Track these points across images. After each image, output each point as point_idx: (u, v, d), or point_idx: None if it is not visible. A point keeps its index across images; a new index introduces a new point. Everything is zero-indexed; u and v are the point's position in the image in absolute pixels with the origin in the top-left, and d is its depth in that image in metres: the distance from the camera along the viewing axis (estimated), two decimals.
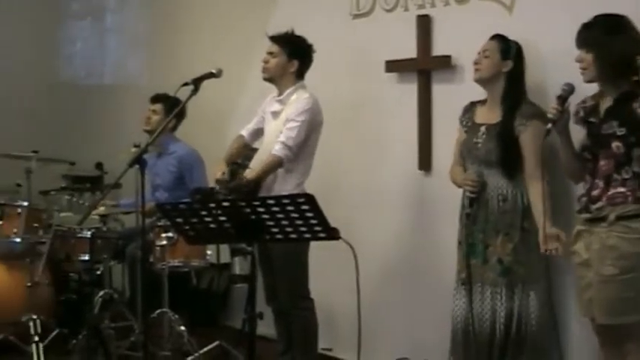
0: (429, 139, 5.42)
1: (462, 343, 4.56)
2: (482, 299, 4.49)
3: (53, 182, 6.97)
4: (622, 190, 3.82)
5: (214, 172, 5.18)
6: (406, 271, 5.61)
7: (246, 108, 6.06)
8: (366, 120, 5.86)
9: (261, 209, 3.49)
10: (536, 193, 4.29)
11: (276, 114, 5.19)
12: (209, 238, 4.09)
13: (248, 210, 3.52)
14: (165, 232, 5.79)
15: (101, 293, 6.12)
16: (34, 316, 6.00)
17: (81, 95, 8.89)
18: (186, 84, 4.75)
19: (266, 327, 5.53)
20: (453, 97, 5.17)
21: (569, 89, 3.97)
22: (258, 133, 5.39)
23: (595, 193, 3.91)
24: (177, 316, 5.87)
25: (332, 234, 3.48)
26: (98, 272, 6.30)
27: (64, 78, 9.16)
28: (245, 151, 5.38)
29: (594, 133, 3.95)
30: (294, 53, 5.16)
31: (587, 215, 3.93)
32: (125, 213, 6.35)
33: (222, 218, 3.61)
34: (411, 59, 5.45)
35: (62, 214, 6.26)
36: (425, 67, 5.40)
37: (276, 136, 5.07)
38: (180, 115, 5.92)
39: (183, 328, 5.80)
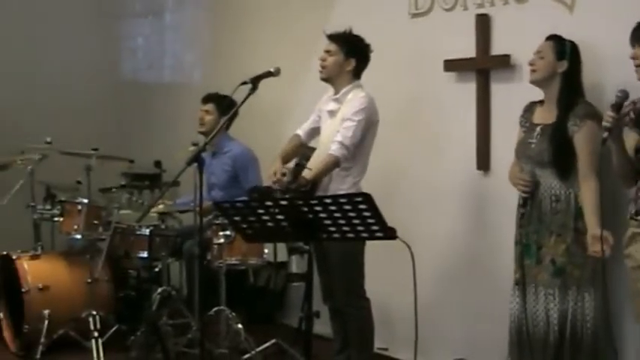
0: (488, 138, 5.39)
1: (517, 344, 4.55)
2: (536, 300, 4.48)
3: (113, 180, 7.02)
4: None
5: (271, 170, 5.20)
6: (463, 271, 5.58)
7: (303, 107, 6.06)
8: (424, 119, 5.84)
9: (318, 208, 3.49)
10: (587, 194, 4.27)
11: (332, 113, 5.19)
12: (266, 236, 4.11)
13: (305, 209, 3.52)
14: (223, 230, 5.82)
15: (159, 290, 6.18)
16: (94, 312, 6.09)
17: (140, 94, 8.99)
18: (244, 83, 4.78)
19: (322, 326, 5.55)
20: (511, 97, 5.14)
21: (624, 95, 3.91)
22: (314, 132, 5.40)
23: None
24: (234, 314, 5.91)
25: (389, 233, 3.47)
26: (156, 269, 6.37)
27: (124, 76, 9.27)
28: (301, 150, 5.38)
29: None
30: (352, 52, 5.15)
31: None
32: (183, 211, 6.39)
33: (280, 217, 3.62)
34: (470, 58, 5.42)
35: (121, 212, 6.30)
36: (484, 67, 5.37)
37: (333, 135, 5.08)
38: (234, 114, 5.96)
39: (240, 325, 5.84)
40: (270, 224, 3.67)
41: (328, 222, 3.52)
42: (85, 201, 6.27)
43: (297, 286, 6.91)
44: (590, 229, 4.20)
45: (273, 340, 6.02)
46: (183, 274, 6.73)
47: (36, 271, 6.27)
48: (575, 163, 4.37)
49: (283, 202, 3.63)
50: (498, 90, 5.34)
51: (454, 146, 5.62)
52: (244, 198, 5.75)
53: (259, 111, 6.03)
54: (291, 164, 5.23)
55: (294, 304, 6.95)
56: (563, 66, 4.47)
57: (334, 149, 4.99)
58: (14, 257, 6.33)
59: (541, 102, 4.65)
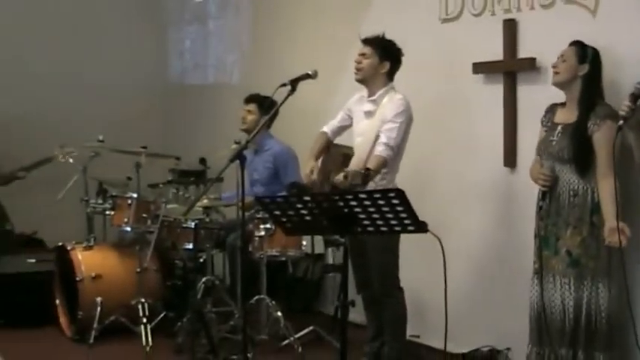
0: (514, 137, 5.36)
1: (537, 330, 4.56)
2: (553, 288, 4.48)
3: (160, 176, 7.07)
4: None
5: (307, 169, 5.21)
6: (491, 263, 5.56)
7: (339, 107, 6.06)
8: (454, 119, 5.82)
9: (353, 203, 3.49)
10: (606, 190, 4.26)
11: (369, 113, 5.17)
12: (304, 229, 4.12)
13: (341, 204, 3.52)
14: (264, 223, 5.85)
15: (204, 280, 6.20)
16: (143, 300, 6.12)
17: (186, 95, 9.06)
18: (284, 85, 4.79)
19: (357, 314, 5.55)
20: (537, 98, 5.11)
21: None
22: (342, 130, 5.40)
23: None
24: (274, 303, 5.93)
25: (420, 227, 3.47)
26: (201, 260, 6.39)
27: (172, 79, 9.36)
28: (329, 148, 5.39)
29: None
30: (386, 55, 5.15)
31: None
32: (226, 206, 6.41)
33: (317, 211, 3.63)
34: (498, 61, 5.39)
35: (168, 206, 6.32)
36: (511, 69, 5.35)
37: (371, 135, 5.07)
38: (274, 114, 5.96)
39: (279, 313, 5.86)
40: (308, 218, 3.68)
41: (363, 216, 3.52)
42: (135, 196, 6.30)
43: (333, 277, 6.92)
44: (608, 221, 4.20)
45: (310, 328, 6.03)
46: (227, 265, 6.77)
47: (89, 261, 6.32)
48: (593, 161, 4.37)
49: (321, 198, 3.64)
50: (524, 91, 5.31)
51: (482, 144, 5.60)
52: (284, 193, 5.77)
53: (298, 111, 6.03)
54: (352, 168, 5.11)
55: (331, 294, 6.97)
56: (584, 69, 4.46)
57: (381, 150, 4.98)
58: (69, 248, 6.38)
59: (562, 104, 4.64)
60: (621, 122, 3.96)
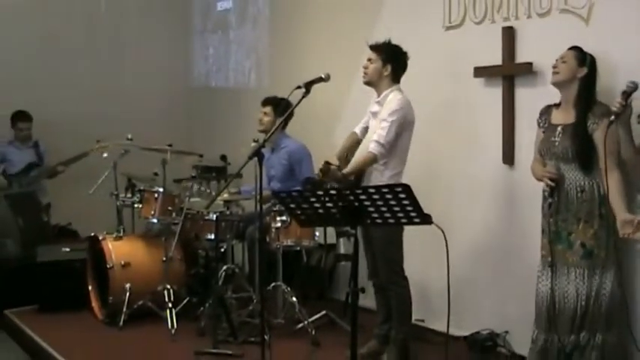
0: (512, 136, 5.35)
1: (546, 318, 4.48)
2: (567, 280, 4.41)
3: (185, 172, 7.08)
4: None
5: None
6: (491, 252, 5.55)
7: (350, 108, 6.07)
8: (457, 119, 5.81)
9: (363, 197, 3.49)
10: (612, 184, 4.20)
11: (375, 114, 5.18)
12: (318, 221, 4.10)
13: (352, 198, 3.53)
14: (280, 216, 5.85)
15: (224, 268, 6.23)
16: (168, 286, 6.16)
17: (208, 97, 9.07)
18: (299, 87, 4.78)
19: (367, 300, 5.53)
20: (534, 100, 5.10)
21: (634, 86, 3.97)
22: (367, 130, 5.39)
23: None
24: (289, 289, 5.93)
25: (425, 219, 3.46)
26: (222, 250, 6.38)
27: (195, 82, 9.39)
28: (356, 146, 5.39)
29: None
30: (389, 59, 5.12)
31: None
32: (245, 199, 6.41)
33: (329, 204, 3.63)
34: (497, 66, 5.38)
35: (192, 200, 6.32)
36: (509, 73, 5.33)
37: (373, 133, 5.08)
38: (289, 115, 5.96)
39: (294, 299, 5.85)
40: (321, 211, 3.68)
41: (372, 209, 3.52)
42: (161, 190, 6.32)
43: (344, 265, 6.93)
44: (619, 214, 4.14)
45: (323, 312, 6.04)
46: (246, 254, 6.77)
47: (119, 250, 6.33)
48: (596, 157, 4.32)
49: (333, 192, 3.64)
50: (522, 94, 5.30)
51: (482, 143, 5.59)
52: (299, 188, 5.77)
53: (312, 112, 6.03)
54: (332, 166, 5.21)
55: (342, 281, 6.98)
56: (583, 72, 4.42)
57: (372, 147, 4.98)
58: (100, 238, 6.41)
59: (556, 105, 4.60)
60: (613, 117, 3.95)
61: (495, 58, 5.39)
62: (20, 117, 7.99)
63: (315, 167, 6.35)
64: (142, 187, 6.53)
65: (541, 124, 4.65)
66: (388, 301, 5.24)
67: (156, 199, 6.33)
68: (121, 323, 6.07)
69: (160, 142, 6.37)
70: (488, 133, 5.49)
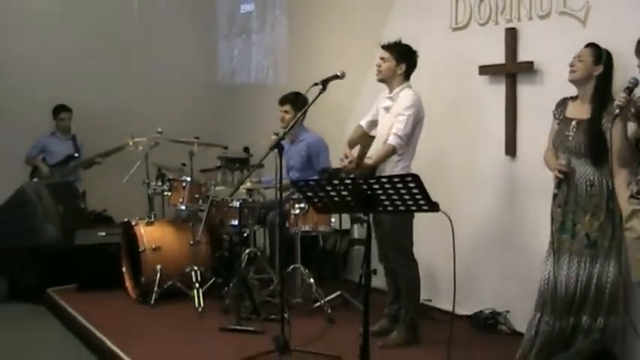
0: (514, 129, 5.32)
1: (550, 301, 4.38)
2: (569, 267, 4.33)
3: (210, 162, 7.09)
4: None
5: (341, 154, 5.18)
6: (493, 238, 5.54)
7: (362, 103, 6.04)
8: (463, 114, 5.79)
9: (375, 186, 3.49)
10: (621, 180, 4.13)
11: (387, 109, 5.16)
12: (333, 208, 4.09)
13: (365, 187, 3.52)
14: (299, 203, 5.85)
15: (247, 251, 6.21)
16: (196, 268, 6.19)
17: (232, 93, 9.09)
18: (316, 84, 4.77)
19: (379, 281, 5.55)
20: (534, 96, 5.09)
21: (635, 82, 3.92)
22: (373, 124, 5.36)
23: None
24: (307, 271, 5.94)
25: (433, 207, 3.45)
26: (245, 234, 6.38)
27: (220, 80, 9.42)
28: (365, 138, 5.38)
29: None
30: (402, 58, 5.10)
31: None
32: (266, 188, 6.41)
33: (344, 193, 3.62)
34: (500, 64, 5.36)
35: (217, 188, 6.33)
36: (511, 71, 5.31)
37: (388, 127, 5.06)
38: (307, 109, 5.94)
39: (312, 280, 5.87)
40: (336, 199, 3.67)
41: (384, 197, 3.51)
42: (189, 179, 6.33)
43: (357, 249, 6.93)
44: (626, 211, 4.07)
45: (338, 292, 6.03)
46: (267, 239, 6.77)
47: (150, 234, 6.35)
48: (607, 154, 4.19)
49: (347, 182, 3.63)
50: (523, 90, 5.27)
51: (487, 136, 5.57)
52: (316, 177, 5.77)
53: (328, 107, 6.02)
54: (355, 153, 5.22)
55: (356, 264, 6.98)
56: (599, 70, 4.32)
57: (391, 140, 4.96)
58: (133, 223, 6.43)
59: (573, 98, 4.49)
60: (617, 111, 3.91)
61: (499, 57, 5.36)
62: (61, 108, 8.16)
63: (331, 158, 6.35)
64: (171, 177, 6.53)
65: (556, 116, 4.53)
66: (397, 282, 5.23)
67: (184, 187, 6.33)
68: (153, 302, 6.10)
69: (188, 135, 6.38)
70: (492, 127, 5.47)
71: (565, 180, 4.36)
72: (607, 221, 4.27)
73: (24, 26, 8.25)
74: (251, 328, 5.39)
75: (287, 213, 5.88)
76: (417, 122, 5.03)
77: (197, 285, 6.04)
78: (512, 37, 5.28)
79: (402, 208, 3.54)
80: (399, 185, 3.41)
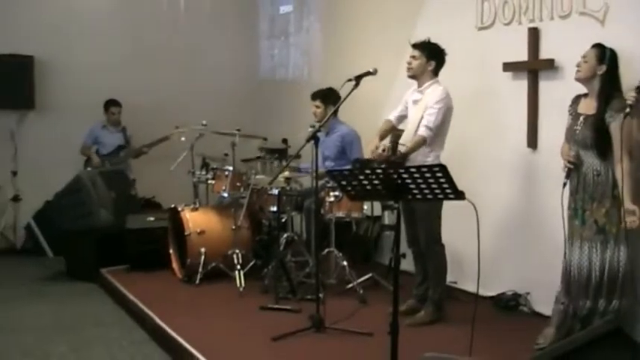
0: (536, 123, 5.31)
1: (569, 284, 4.41)
2: (580, 252, 4.33)
3: (251, 152, 7.15)
4: None
5: (371, 146, 5.18)
6: (515, 224, 5.53)
7: (394, 98, 6.01)
8: (487, 108, 5.77)
9: (405, 175, 3.50)
10: (620, 173, 4.13)
11: (416, 102, 5.17)
12: (365, 196, 4.09)
13: (395, 176, 3.53)
14: (333, 191, 5.87)
15: (285, 235, 6.27)
16: (237, 251, 6.24)
17: (272, 88, 9.13)
18: (349, 80, 4.80)
19: (407, 264, 5.58)
20: (555, 92, 5.06)
21: None
22: (402, 118, 5.37)
23: None
24: (341, 254, 5.96)
25: (459, 195, 3.45)
26: (283, 220, 6.41)
27: (261, 76, 9.48)
28: (392, 132, 5.39)
29: None
30: (432, 56, 5.12)
31: None
32: (303, 176, 6.43)
33: (376, 182, 3.63)
34: (523, 62, 5.34)
35: (257, 177, 6.36)
36: (533, 68, 5.29)
37: (417, 119, 5.06)
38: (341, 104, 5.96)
39: (345, 263, 5.88)
40: (368, 187, 3.68)
41: (413, 186, 3.51)
42: (231, 168, 6.36)
43: (388, 235, 6.94)
44: (625, 204, 4.07)
45: (370, 274, 6.06)
46: (303, 224, 6.80)
47: (195, 219, 6.41)
48: (611, 146, 4.22)
49: (379, 171, 3.65)
50: (544, 86, 5.25)
51: (510, 129, 5.55)
52: (349, 167, 5.79)
53: (362, 102, 6.02)
54: (387, 142, 5.23)
55: (386, 248, 6.99)
56: (603, 69, 4.32)
57: (422, 131, 4.98)
58: (179, 209, 6.50)
59: (585, 95, 4.49)
60: (628, 110, 3.88)
61: (522, 54, 5.34)
62: (112, 103, 8.21)
63: (366, 147, 6.36)
64: (214, 166, 6.59)
65: (570, 112, 4.53)
66: (425, 265, 5.25)
67: (226, 176, 6.37)
68: (197, 282, 6.18)
69: (230, 127, 6.42)
70: (515, 121, 5.45)
71: (575, 170, 4.38)
72: (613, 208, 4.26)
73: (81, 27, 8.37)
74: (288, 307, 5.43)
75: (322, 200, 5.90)
76: (446, 115, 5.04)
77: (238, 266, 6.09)
78: (534, 36, 5.26)
79: (429, 196, 3.54)
80: (428, 175, 3.42)
